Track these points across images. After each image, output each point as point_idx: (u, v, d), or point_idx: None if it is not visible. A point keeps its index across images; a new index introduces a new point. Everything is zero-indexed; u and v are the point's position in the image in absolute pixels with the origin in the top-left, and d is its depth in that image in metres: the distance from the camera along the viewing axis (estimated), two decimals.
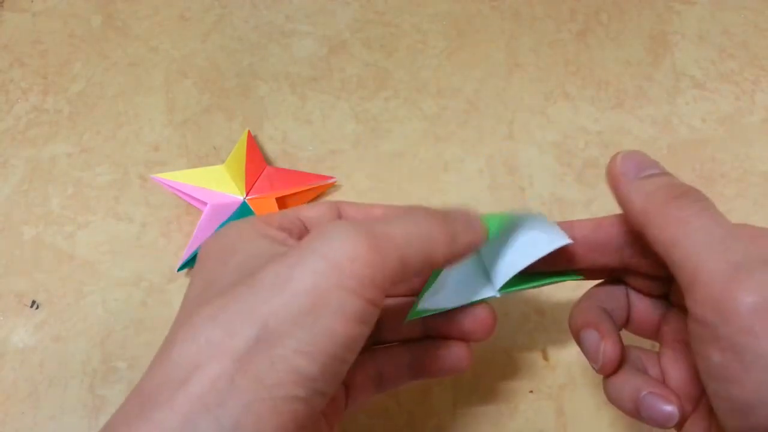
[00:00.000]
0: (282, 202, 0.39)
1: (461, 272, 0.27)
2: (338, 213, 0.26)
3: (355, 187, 0.41)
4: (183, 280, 0.38)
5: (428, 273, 0.23)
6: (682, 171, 0.40)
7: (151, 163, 0.42)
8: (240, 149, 0.39)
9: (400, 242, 0.21)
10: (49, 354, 0.36)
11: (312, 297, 0.19)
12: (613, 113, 0.43)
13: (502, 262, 0.26)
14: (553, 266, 0.27)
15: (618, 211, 0.25)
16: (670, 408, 0.24)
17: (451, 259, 0.23)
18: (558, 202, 0.40)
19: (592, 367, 0.26)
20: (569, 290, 0.35)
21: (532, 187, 0.40)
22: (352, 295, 0.19)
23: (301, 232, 0.25)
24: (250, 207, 0.38)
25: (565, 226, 0.26)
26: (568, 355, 0.35)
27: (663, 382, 0.26)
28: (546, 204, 0.40)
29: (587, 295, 0.28)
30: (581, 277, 0.28)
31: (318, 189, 0.40)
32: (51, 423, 0.34)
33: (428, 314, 0.27)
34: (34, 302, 0.37)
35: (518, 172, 0.41)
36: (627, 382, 0.25)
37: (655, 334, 0.28)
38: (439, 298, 0.26)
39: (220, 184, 0.39)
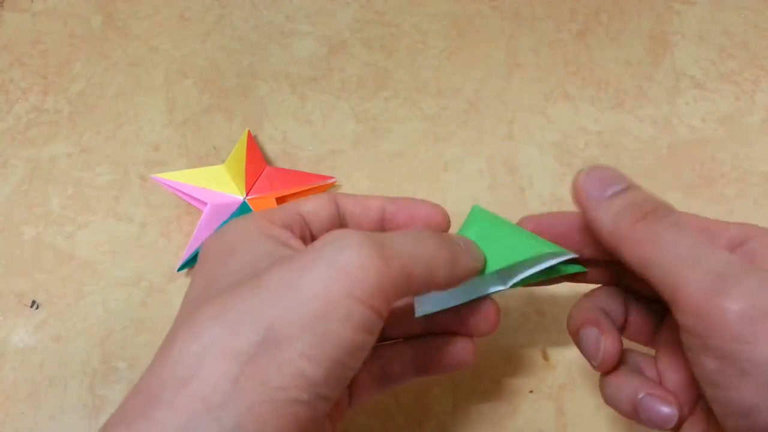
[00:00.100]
0: (282, 202, 0.39)
1: None
2: (336, 205, 0.26)
3: (355, 187, 0.41)
4: (183, 280, 0.38)
5: (427, 291, 0.23)
6: (682, 171, 0.40)
7: (151, 163, 0.42)
8: (240, 149, 0.39)
9: (407, 258, 0.21)
10: (49, 354, 0.36)
11: (320, 303, 0.19)
12: (613, 113, 0.43)
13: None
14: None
15: None
16: (668, 410, 0.24)
17: (451, 282, 0.23)
18: (558, 202, 0.40)
19: (591, 364, 0.26)
20: (569, 290, 0.35)
21: (532, 187, 0.40)
22: (360, 304, 0.20)
23: (302, 228, 0.25)
24: (250, 207, 0.38)
25: (577, 215, 0.27)
26: (568, 355, 0.35)
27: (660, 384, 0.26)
28: (546, 204, 0.40)
29: (586, 296, 0.28)
30: (584, 269, 0.28)
31: (318, 189, 0.40)
32: (51, 423, 0.34)
33: (435, 311, 0.27)
34: (34, 302, 0.37)
35: (518, 172, 0.41)
36: (625, 384, 0.25)
37: (651, 340, 0.28)
38: (447, 295, 0.26)
39: (220, 184, 0.39)
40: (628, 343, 0.28)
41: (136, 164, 0.42)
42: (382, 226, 0.27)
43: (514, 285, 0.27)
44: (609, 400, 0.26)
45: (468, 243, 0.25)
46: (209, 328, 0.20)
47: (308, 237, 0.26)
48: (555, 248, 0.26)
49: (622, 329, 0.28)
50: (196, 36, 0.47)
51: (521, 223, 0.28)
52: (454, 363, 0.28)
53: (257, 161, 0.39)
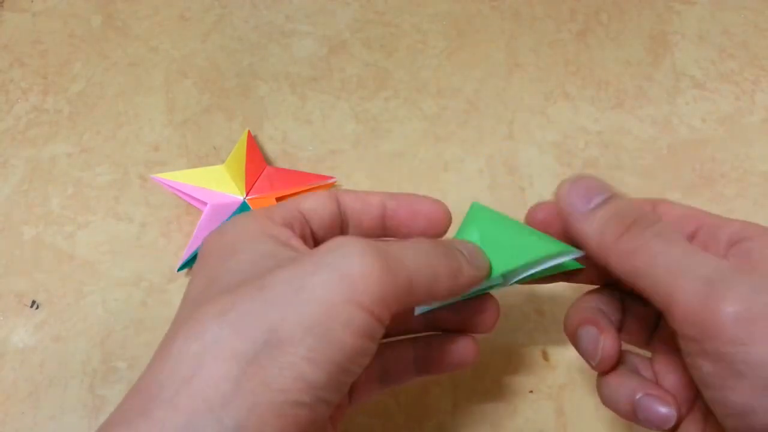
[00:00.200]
0: None
1: None
2: (336, 202, 0.26)
3: (355, 187, 0.41)
4: (183, 280, 0.38)
5: (428, 303, 0.23)
6: (682, 171, 0.40)
7: (151, 163, 0.42)
8: (240, 149, 0.39)
9: (410, 268, 0.21)
10: (49, 354, 0.36)
11: (323, 308, 0.19)
12: (613, 113, 0.43)
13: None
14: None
15: None
16: (666, 410, 0.24)
17: (452, 293, 0.24)
18: None
19: (589, 364, 0.26)
20: (569, 290, 0.35)
21: (532, 187, 0.40)
22: (363, 311, 0.20)
23: (303, 226, 0.25)
24: (250, 207, 0.38)
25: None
26: (568, 355, 0.35)
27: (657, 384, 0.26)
28: None
29: (583, 296, 0.28)
30: (580, 266, 0.28)
31: (318, 189, 0.40)
32: (51, 423, 0.34)
33: (437, 307, 0.27)
34: (34, 302, 0.37)
35: (518, 172, 0.41)
36: (623, 385, 0.25)
37: (647, 342, 0.28)
38: None
39: (220, 184, 0.39)
40: (624, 345, 0.28)
41: (136, 164, 0.42)
42: (383, 222, 0.27)
43: (515, 282, 0.27)
44: (607, 401, 0.26)
45: (472, 251, 0.25)
46: (210, 328, 0.20)
47: (309, 235, 0.26)
48: (560, 246, 0.26)
49: (618, 330, 0.28)
50: (196, 36, 0.47)
51: (533, 210, 0.28)
52: (455, 362, 0.28)
53: (257, 161, 0.39)
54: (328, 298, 0.20)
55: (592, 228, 0.24)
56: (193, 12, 0.48)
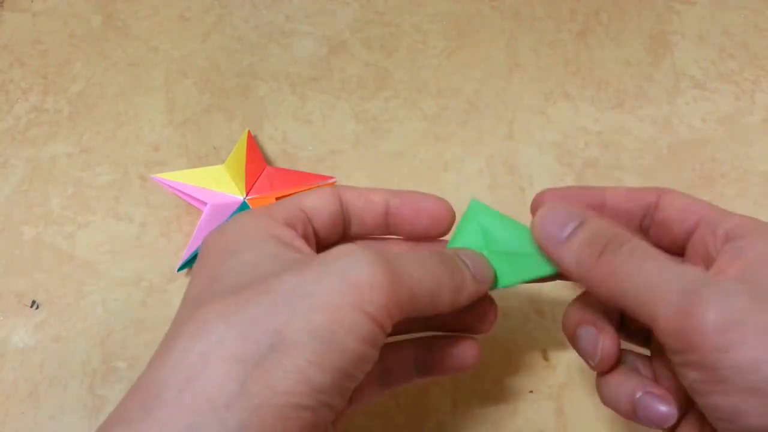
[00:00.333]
0: None
1: None
2: (339, 200, 0.26)
3: None
4: (183, 280, 0.38)
5: (430, 314, 0.24)
6: (682, 171, 0.40)
7: (151, 163, 0.42)
8: (240, 149, 0.39)
9: (414, 280, 0.22)
10: (49, 354, 0.36)
11: (329, 313, 0.20)
12: (613, 113, 0.43)
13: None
14: None
15: None
16: (666, 408, 0.24)
17: (453, 307, 0.24)
18: None
19: (589, 365, 0.26)
20: (569, 290, 0.35)
21: (532, 187, 0.40)
22: (367, 318, 0.20)
23: (305, 225, 0.25)
24: (250, 207, 0.38)
25: (598, 193, 0.27)
26: (568, 356, 0.35)
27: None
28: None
29: (582, 296, 0.28)
30: None
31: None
32: (51, 423, 0.34)
33: None
34: (34, 302, 0.37)
35: (518, 172, 0.41)
36: (622, 383, 0.25)
37: (646, 341, 0.28)
38: None
39: (220, 184, 0.39)
40: (623, 344, 0.28)
41: (136, 164, 0.42)
42: (386, 220, 0.27)
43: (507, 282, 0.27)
44: (606, 400, 0.26)
45: (478, 264, 0.25)
46: (215, 328, 0.20)
47: (311, 235, 0.26)
48: None
49: (617, 329, 0.28)
50: (196, 36, 0.47)
51: (540, 196, 0.28)
52: (456, 365, 0.28)
53: (257, 161, 0.39)
54: (335, 304, 0.20)
55: (570, 256, 0.24)
56: (193, 12, 0.48)
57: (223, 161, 0.40)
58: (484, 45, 0.46)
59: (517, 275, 0.26)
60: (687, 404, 0.25)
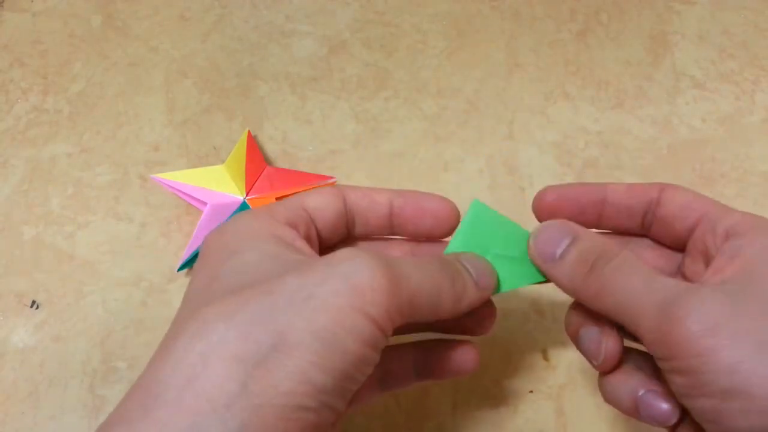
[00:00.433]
0: None
1: None
2: (342, 199, 0.26)
3: None
4: (183, 280, 0.38)
5: (430, 320, 0.24)
6: (682, 171, 0.40)
7: (151, 163, 0.42)
8: (240, 149, 0.39)
9: (414, 286, 0.22)
10: (49, 354, 0.36)
11: (331, 315, 0.20)
12: (613, 113, 0.43)
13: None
14: None
15: None
16: (669, 406, 0.24)
17: (453, 314, 0.24)
18: None
19: (592, 364, 0.26)
20: None
21: (532, 187, 0.40)
22: (369, 321, 0.20)
23: (308, 225, 0.25)
24: (250, 207, 0.38)
25: (599, 188, 0.27)
26: (568, 356, 0.35)
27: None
28: None
29: None
30: None
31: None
32: (51, 423, 0.34)
33: None
34: (34, 302, 0.37)
35: (518, 172, 0.41)
36: (625, 381, 0.25)
37: None
38: None
39: (220, 184, 0.39)
40: (625, 342, 0.28)
41: (136, 164, 0.42)
42: (390, 220, 0.27)
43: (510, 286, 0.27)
44: (608, 398, 0.26)
45: (481, 270, 0.25)
46: (216, 328, 0.20)
47: (313, 235, 0.26)
48: None
49: (619, 328, 0.28)
50: (196, 36, 0.47)
51: (542, 193, 0.28)
52: (455, 369, 0.28)
53: (257, 161, 0.39)
54: (337, 306, 0.20)
55: (563, 274, 0.25)
56: (193, 12, 0.48)
57: (223, 161, 0.40)
58: (484, 45, 0.46)
59: (519, 280, 0.26)
60: None
